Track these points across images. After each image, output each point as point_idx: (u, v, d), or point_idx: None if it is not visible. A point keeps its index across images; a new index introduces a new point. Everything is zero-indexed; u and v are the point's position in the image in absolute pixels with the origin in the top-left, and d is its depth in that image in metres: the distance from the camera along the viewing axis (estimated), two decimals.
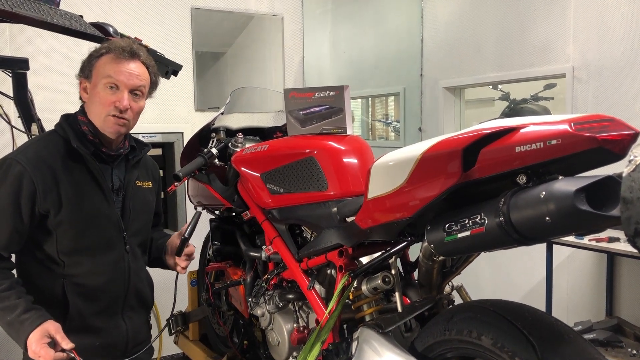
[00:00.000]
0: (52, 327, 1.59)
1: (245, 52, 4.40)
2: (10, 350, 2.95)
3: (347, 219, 1.62)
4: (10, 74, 2.31)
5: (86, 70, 1.79)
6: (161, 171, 4.05)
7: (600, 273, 3.09)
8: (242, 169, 2.02)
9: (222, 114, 2.33)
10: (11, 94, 2.32)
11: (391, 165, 1.32)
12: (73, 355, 1.56)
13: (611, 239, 2.67)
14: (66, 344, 1.57)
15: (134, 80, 1.76)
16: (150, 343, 1.90)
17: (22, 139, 2.26)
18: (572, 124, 0.98)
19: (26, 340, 1.57)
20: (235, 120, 2.37)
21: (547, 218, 0.98)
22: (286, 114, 1.91)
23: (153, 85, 1.87)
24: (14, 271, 1.77)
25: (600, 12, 2.93)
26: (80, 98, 1.84)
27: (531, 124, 1.05)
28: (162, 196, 3.95)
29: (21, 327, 1.58)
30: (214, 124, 2.32)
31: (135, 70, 1.77)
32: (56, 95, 3.26)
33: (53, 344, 1.58)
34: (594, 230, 1.06)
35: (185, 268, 2.00)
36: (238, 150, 2.13)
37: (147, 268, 2.04)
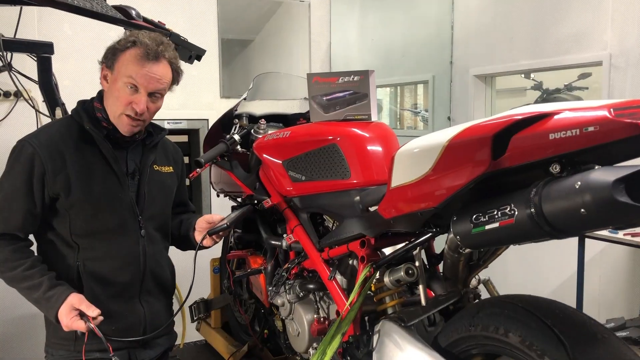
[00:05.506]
0: (75, 299, 1.65)
1: (272, 40, 4.37)
2: (35, 335, 3.00)
3: (369, 208, 1.59)
4: (35, 58, 2.34)
5: (110, 60, 1.76)
6: (186, 158, 4.07)
7: (634, 268, 3.00)
8: (264, 155, 1.99)
9: (244, 99, 2.31)
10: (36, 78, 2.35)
11: (416, 153, 1.28)
12: (92, 327, 1.62)
13: None
14: (92, 311, 1.64)
15: (154, 84, 1.75)
16: (165, 325, 1.88)
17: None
18: (611, 110, 0.93)
19: (57, 317, 1.66)
20: (259, 107, 2.34)
21: (583, 210, 0.93)
22: (309, 99, 1.87)
23: (174, 82, 1.84)
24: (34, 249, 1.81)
25: None
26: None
27: (566, 110, 1.00)
28: (187, 183, 4.01)
29: (48, 304, 1.66)
30: (236, 110, 2.30)
31: (158, 74, 1.75)
32: (83, 80, 3.25)
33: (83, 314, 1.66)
34: (632, 224, 1.00)
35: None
36: (260, 136, 2.11)
37: (171, 252, 2.02)
